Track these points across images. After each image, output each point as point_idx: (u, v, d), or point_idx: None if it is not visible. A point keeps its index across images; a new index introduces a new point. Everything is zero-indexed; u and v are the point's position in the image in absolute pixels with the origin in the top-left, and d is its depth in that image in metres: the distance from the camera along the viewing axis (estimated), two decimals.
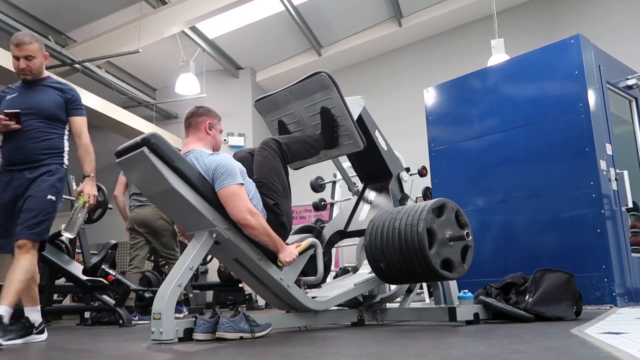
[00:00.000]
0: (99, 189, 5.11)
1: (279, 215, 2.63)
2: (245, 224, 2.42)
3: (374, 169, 3.38)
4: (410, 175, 3.50)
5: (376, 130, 3.26)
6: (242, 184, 2.47)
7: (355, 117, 2.99)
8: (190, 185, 2.40)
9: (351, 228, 3.31)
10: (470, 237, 2.67)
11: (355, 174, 3.65)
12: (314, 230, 3.17)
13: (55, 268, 4.16)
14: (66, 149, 2.87)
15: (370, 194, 3.45)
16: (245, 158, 2.82)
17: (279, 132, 3.20)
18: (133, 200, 5.17)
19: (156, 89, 10.37)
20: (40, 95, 2.80)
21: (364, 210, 3.38)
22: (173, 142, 7.04)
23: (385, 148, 3.31)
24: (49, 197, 2.67)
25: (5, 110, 2.71)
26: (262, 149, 2.73)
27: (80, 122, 2.87)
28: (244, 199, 2.44)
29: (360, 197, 3.46)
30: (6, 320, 2.47)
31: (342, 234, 3.33)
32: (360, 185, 3.58)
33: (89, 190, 2.83)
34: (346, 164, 3.73)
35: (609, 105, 4.20)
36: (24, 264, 2.56)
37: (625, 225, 4.04)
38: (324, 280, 2.91)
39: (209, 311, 2.58)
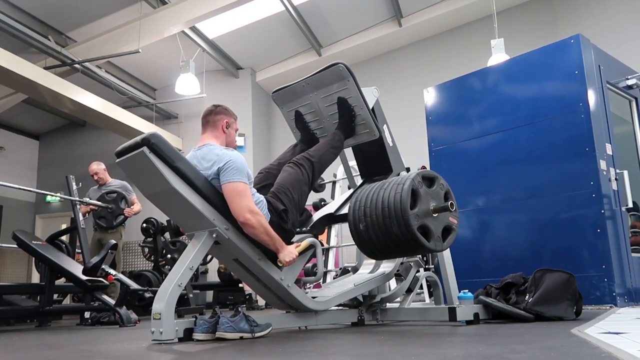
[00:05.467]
0: (122, 197, 5.14)
1: (284, 222, 2.64)
2: (245, 223, 2.44)
3: (377, 165, 3.37)
4: None
5: (385, 125, 3.27)
6: (247, 183, 2.50)
7: (370, 107, 3.04)
8: (191, 185, 2.40)
9: (341, 212, 3.29)
10: (456, 219, 2.58)
11: (358, 174, 3.64)
12: (304, 212, 3.16)
13: (55, 268, 4.16)
14: None
15: None
16: (271, 173, 2.92)
17: (295, 122, 3.28)
18: None
19: (156, 89, 10.36)
20: None
21: None
22: (173, 142, 7.05)
23: (391, 144, 3.31)
24: None
25: None
26: (294, 165, 2.79)
27: None
28: (248, 197, 2.47)
29: (357, 189, 3.45)
30: None
31: (331, 217, 3.29)
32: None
33: None
34: (351, 162, 3.73)
35: (609, 105, 4.19)
36: None
37: (625, 225, 4.04)
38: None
39: (209, 311, 2.57)
